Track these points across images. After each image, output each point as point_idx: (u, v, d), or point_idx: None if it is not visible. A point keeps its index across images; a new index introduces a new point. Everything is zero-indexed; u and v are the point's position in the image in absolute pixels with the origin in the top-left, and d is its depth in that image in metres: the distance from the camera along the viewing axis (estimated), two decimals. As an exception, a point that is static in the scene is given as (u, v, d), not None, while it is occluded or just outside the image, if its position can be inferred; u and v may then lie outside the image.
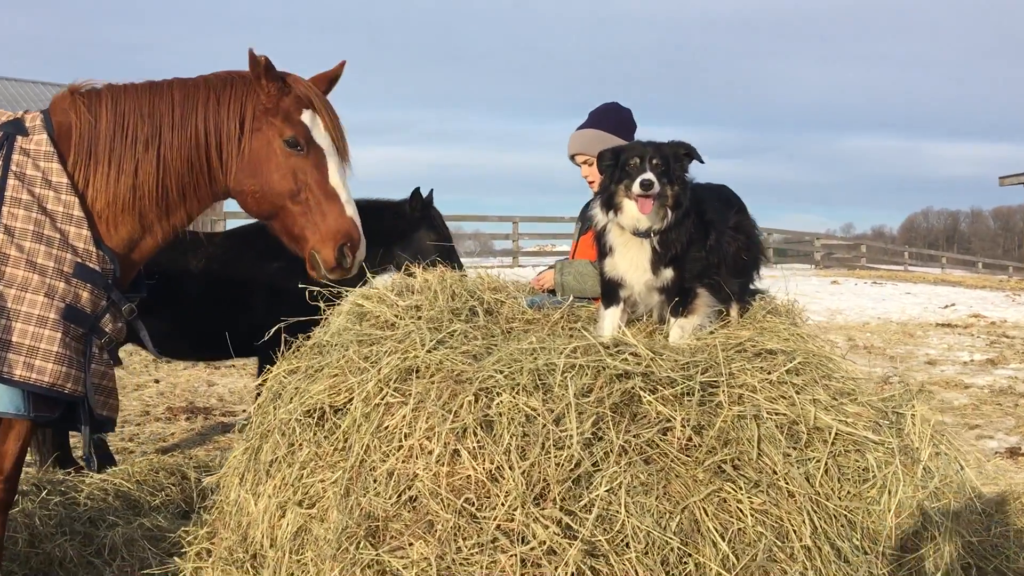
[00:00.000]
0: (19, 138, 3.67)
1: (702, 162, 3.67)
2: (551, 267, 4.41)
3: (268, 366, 6.63)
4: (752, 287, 4.14)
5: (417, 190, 7.03)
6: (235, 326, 6.36)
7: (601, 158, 3.73)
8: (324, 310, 3.98)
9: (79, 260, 3.62)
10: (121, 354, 12.77)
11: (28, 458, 6.42)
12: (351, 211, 3.77)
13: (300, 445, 3.52)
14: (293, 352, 3.91)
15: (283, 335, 4.07)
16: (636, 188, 3.49)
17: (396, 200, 7.10)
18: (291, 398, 3.64)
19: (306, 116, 3.80)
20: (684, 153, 3.65)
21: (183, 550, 4.02)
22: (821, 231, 55.55)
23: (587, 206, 4.60)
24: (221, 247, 6.70)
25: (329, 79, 3.99)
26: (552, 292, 4.26)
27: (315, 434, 3.50)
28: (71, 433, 6.75)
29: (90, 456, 3.99)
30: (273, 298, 6.32)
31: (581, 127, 4.66)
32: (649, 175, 3.50)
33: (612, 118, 4.60)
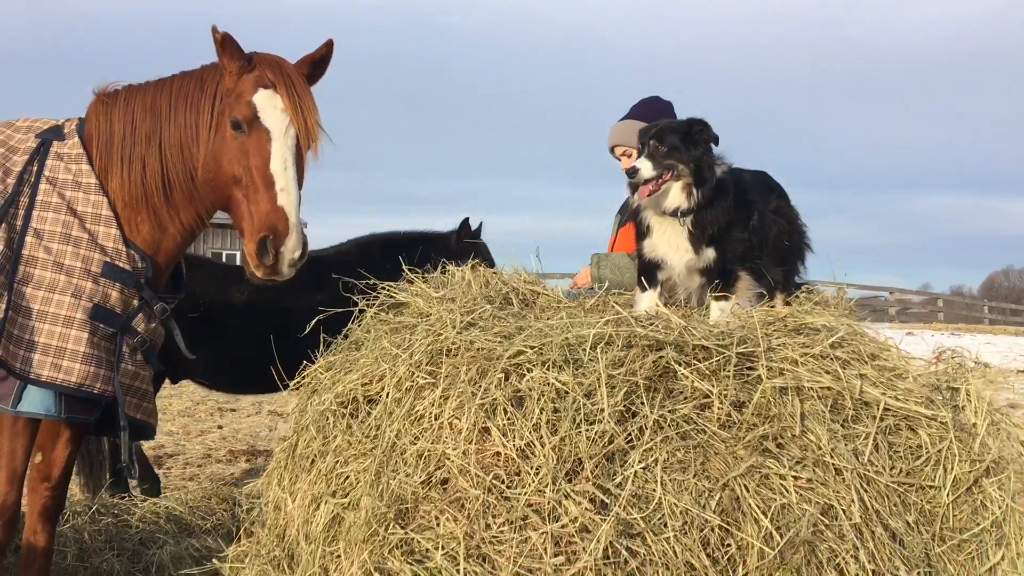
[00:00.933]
0: (55, 143, 3.74)
1: (715, 142, 3.59)
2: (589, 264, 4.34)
3: None
4: (798, 279, 4.01)
5: (466, 220, 7.00)
6: (277, 358, 6.40)
7: (639, 137, 3.69)
8: (358, 302, 3.92)
9: (108, 259, 3.62)
10: (187, 404, 12.91)
11: (80, 495, 6.48)
12: (284, 200, 3.47)
13: (334, 436, 3.48)
14: (329, 349, 3.89)
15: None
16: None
17: (444, 231, 7.07)
18: (326, 391, 3.61)
19: (259, 96, 3.57)
20: (698, 129, 3.56)
21: (223, 554, 3.98)
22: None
23: (627, 201, 4.55)
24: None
25: (312, 61, 3.75)
26: (591, 289, 4.19)
27: (348, 424, 3.46)
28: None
29: (131, 463, 3.94)
30: (315, 331, 6.33)
31: (621, 119, 4.63)
32: (636, 163, 3.48)
33: (651, 110, 4.56)
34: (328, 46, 3.77)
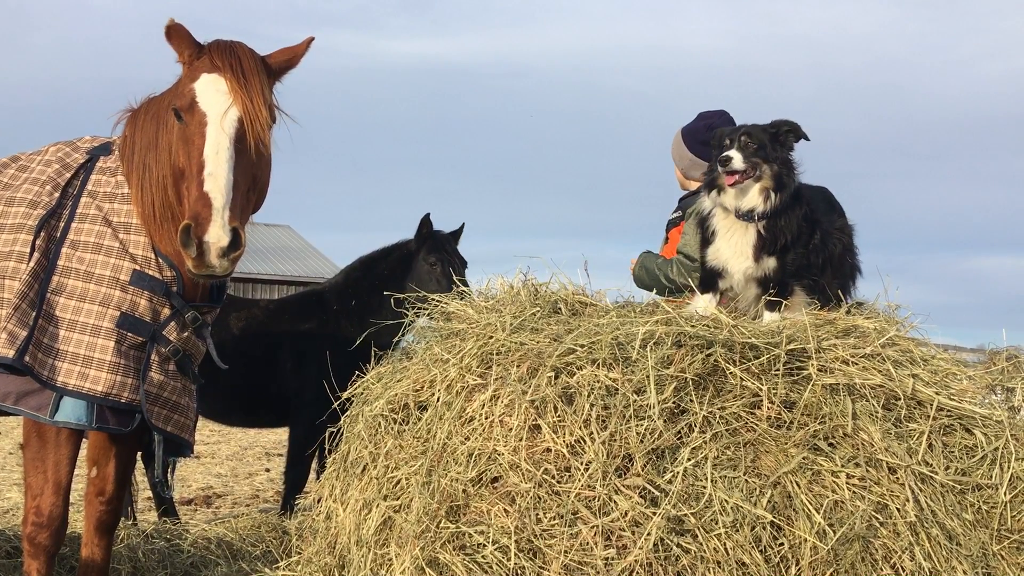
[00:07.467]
0: (102, 158, 3.82)
1: (807, 139, 3.56)
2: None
3: (300, 439, 6.58)
4: (849, 298, 3.98)
5: (425, 216, 6.56)
6: (264, 390, 6.51)
7: (725, 135, 3.65)
8: (409, 313, 3.98)
9: (137, 267, 3.62)
10: (235, 448, 13.03)
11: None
12: (210, 185, 3.26)
13: (384, 441, 3.52)
14: (380, 360, 3.95)
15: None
16: (718, 164, 3.46)
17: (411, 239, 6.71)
18: (376, 398, 3.66)
19: (201, 81, 3.43)
20: (787, 130, 3.54)
21: (276, 564, 4.02)
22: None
23: (671, 220, 4.65)
24: (264, 311, 6.77)
25: (289, 54, 3.66)
26: None
27: (399, 430, 3.50)
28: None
29: (164, 480, 3.91)
30: (301, 362, 6.45)
31: (684, 127, 4.65)
32: (729, 152, 3.43)
33: (697, 137, 4.55)
34: (307, 43, 3.71)
